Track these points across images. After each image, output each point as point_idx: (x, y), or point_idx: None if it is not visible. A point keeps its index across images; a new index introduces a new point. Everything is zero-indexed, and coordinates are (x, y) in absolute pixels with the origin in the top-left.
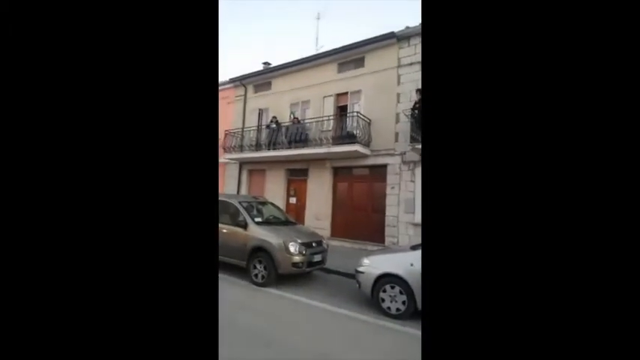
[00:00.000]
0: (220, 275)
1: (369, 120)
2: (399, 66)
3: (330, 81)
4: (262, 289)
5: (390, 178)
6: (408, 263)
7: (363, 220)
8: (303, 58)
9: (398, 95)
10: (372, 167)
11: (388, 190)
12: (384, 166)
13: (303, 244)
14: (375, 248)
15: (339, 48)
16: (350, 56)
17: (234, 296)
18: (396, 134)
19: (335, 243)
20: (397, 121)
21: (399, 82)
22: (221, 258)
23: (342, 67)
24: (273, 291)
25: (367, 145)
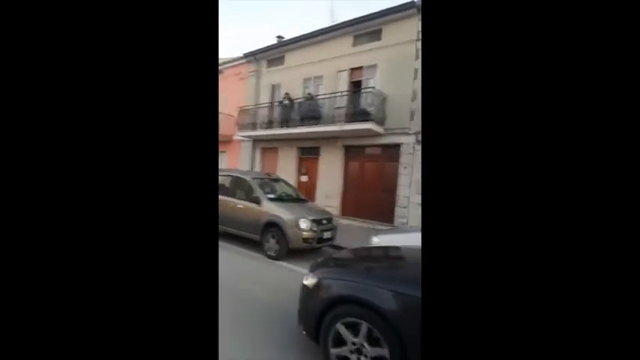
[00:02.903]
0: (235, 248)
1: (384, 96)
2: (418, 39)
3: (344, 55)
4: (275, 262)
5: (404, 158)
6: (419, 243)
7: (373, 200)
8: (318, 31)
9: (415, 71)
10: (385, 146)
11: (401, 170)
12: (398, 146)
13: (313, 220)
14: (385, 228)
15: (355, 19)
16: (366, 28)
17: (248, 268)
18: (412, 112)
19: (345, 222)
20: (413, 98)
21: (417, 57)
22: (237, 232)
23: (358, 39)
24: (284, 264)
25: (381, 123)
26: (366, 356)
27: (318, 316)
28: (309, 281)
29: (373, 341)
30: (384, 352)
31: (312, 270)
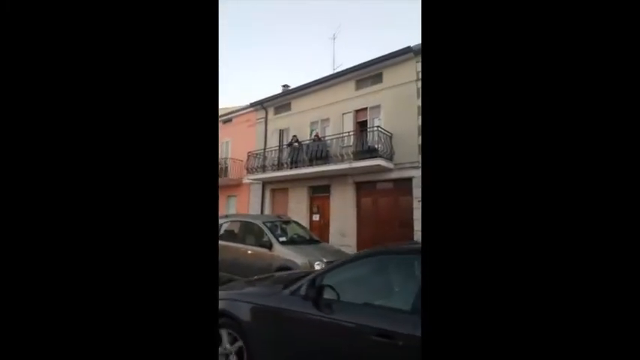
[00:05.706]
0: None
1: (391, 134)
2: (418, 79)
3: (348, 98)
4: None
5: (417, 191)
6: None
7: (390, 235)
8: (321, 79)
9: (418, 108)
10: (396, 181)
11: (415, 204)
12: (409, 180)
13: (328, 263)
14: None
15: (356, 66)
16: (367, 73)
17: None
18: (419, 146)
19: None
20: (419, 133)
21: (418, 95)
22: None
23: (360, 84)
24: None
25: (390, 158)
26: (231, 354)
27: None
28: None
29: (233, 340)
30: (241, 343)
31: None
